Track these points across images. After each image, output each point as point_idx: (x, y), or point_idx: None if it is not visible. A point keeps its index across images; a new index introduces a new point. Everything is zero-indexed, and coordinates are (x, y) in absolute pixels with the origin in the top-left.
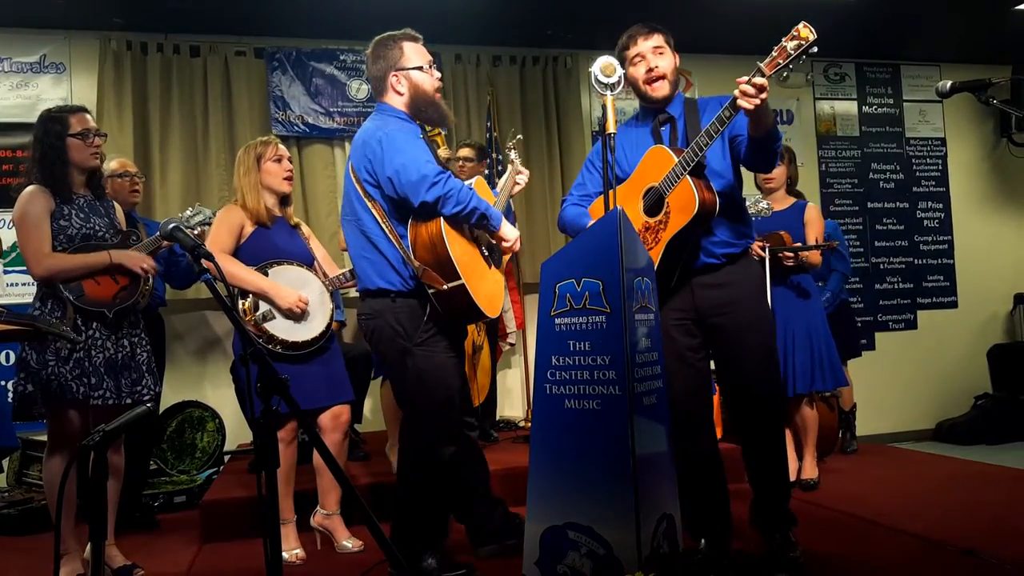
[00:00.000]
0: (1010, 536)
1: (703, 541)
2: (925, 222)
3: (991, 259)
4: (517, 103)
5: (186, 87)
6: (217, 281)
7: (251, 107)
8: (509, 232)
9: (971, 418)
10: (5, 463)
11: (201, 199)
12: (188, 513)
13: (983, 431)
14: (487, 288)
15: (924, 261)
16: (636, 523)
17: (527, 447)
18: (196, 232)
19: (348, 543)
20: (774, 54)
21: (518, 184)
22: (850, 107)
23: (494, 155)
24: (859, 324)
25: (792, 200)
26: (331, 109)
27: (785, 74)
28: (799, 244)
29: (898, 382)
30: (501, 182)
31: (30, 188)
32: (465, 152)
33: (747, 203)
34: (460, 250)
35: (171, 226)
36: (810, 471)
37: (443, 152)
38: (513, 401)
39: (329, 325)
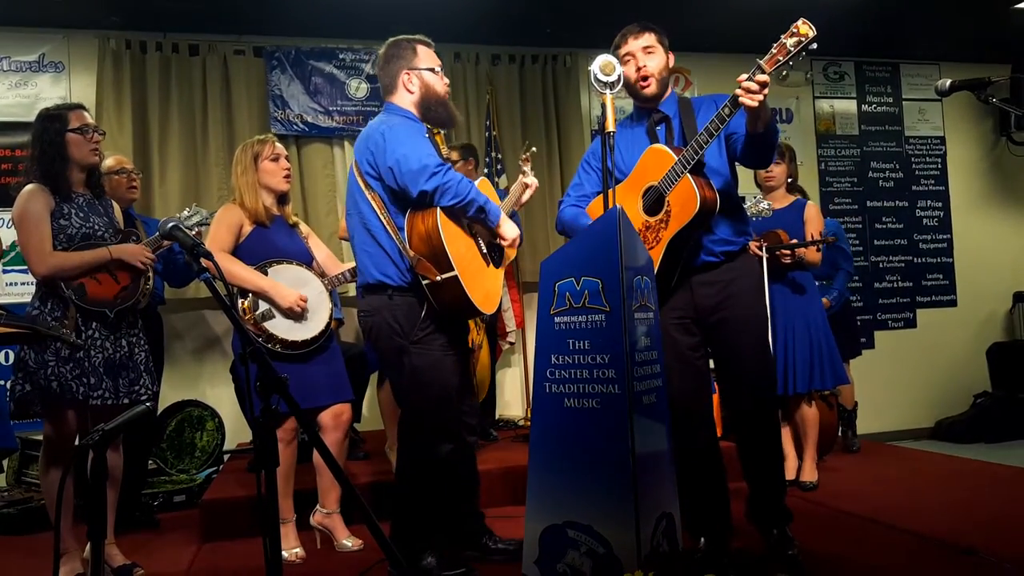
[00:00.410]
0: (1009, 534)
1: (703, 540)
2: (924, 221)
3: (990, 257)
4: (516, 102)
5: (185, 86)
6: (216, 280)
7: (250, 106)
8: (509, 230)
9: (970, 416)
10: (5, 463)
11: (200, 198)
12: (188, 512)
13: (982, 429)
14: (483, 284)
15: (923, 260)
16: (636, 522)
17: (526, 446)
18: (193, 232)
19: (348, 542)
20: (774, 51)
21: (526, 193)
22: (849, 106)
23: (494, 154)
24: (859, 323)
25: (792, 198)
26: (330, 108)
27: (785, 72)
28: (795, 241)
29: (897, 381)
30: (512, 189)
31: (30, 187)
32: (450, 155)
33: (748, 204)
34: (456, 243)
35: (170, 225)
36: (809, 473)
37: (443, 152)
38: (513, 400)
39: (329, 324)
